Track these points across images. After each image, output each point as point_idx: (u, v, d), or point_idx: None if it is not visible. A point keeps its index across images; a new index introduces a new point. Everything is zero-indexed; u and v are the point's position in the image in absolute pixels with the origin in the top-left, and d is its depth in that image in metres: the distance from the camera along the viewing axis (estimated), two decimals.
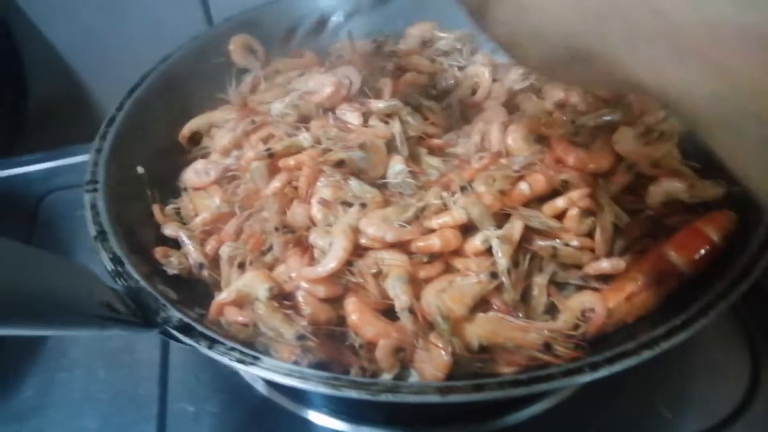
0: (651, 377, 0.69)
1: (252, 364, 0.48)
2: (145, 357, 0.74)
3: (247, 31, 0.90)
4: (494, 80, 0.83)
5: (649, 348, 0.48)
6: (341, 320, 0.60)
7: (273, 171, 0.68)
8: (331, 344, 0.57)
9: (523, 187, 0.62)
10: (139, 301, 0.53)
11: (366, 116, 0.74)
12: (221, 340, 0.50)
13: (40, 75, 1.12)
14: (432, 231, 0.61)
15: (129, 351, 0.75)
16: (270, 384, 0.70)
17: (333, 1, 0.96)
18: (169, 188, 0.76)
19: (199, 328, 0.51)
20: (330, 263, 0.57)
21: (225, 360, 0.49)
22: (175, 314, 0.52)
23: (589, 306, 0.59)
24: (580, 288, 0.63)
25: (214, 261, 0.66)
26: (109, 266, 0.56)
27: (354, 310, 0.58)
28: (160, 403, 0.70)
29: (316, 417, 0.68)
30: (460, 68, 0.86)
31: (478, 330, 0.58)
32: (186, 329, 0.51)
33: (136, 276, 0.55)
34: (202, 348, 0.50)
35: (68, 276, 0.47)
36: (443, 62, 0.87)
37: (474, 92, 0.83)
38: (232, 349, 0.49)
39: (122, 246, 0.59)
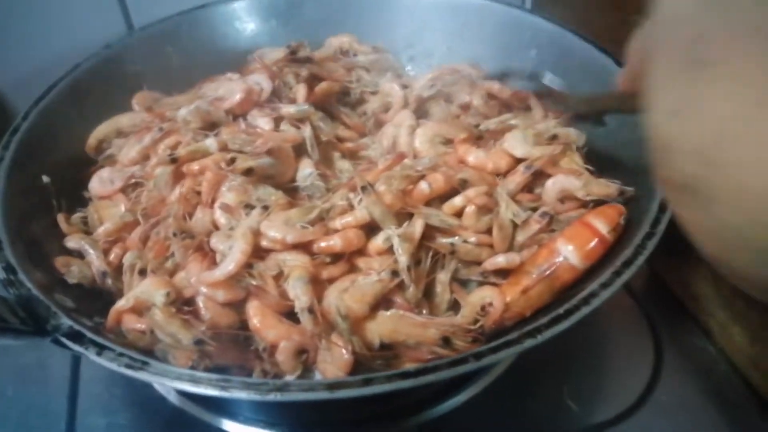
0: (561, 372, 0.71)
1: (141, 369, 0.48)
2: (55, 372, 0.73)
3: (165, 41, 0.90)
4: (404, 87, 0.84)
5: (532, 337, 0.49)
6: (245, 324, 0.60)
7: (178, 178, 0.68)
8: (234, 349, 0.58)
9: (423, 186, 0.63)
10: (30, 310, 0.52)
11: (277, 121, 0.75)
12: (110, 346, 0.49)
13: None
14: (336, 232, 0.62)
15: (40, 367, 0.73)
16: (183, 395, 0.70)
17: (252, 9, 0.96)
18: (78, 198, 0.74)
19: (89, 335, 0.50)
20: (228, 266, 0.57)
21: (114, 366, 0.49)
22: (66, 322, 0.51)
23: (488, 300, 0.61)
24: (481, 284, 0.64)
25: (118, 270, 0.65)
26: (1, 275, 0.55)
27: (255, 314, 0.58)
28: (69, 417, 0.68)
29: (231, 426, 0.67)
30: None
31: (380, 328, 0.59)
32: (75, 336, 0.50)
33: (29, 284, 0.54)
34: (91, 355, 0.49)
35: None
36: (360, 74, 0.89)
37: (387, 108, 0.84)
38: (121, 354, 0.49)
39: (19, 255, 0.58)
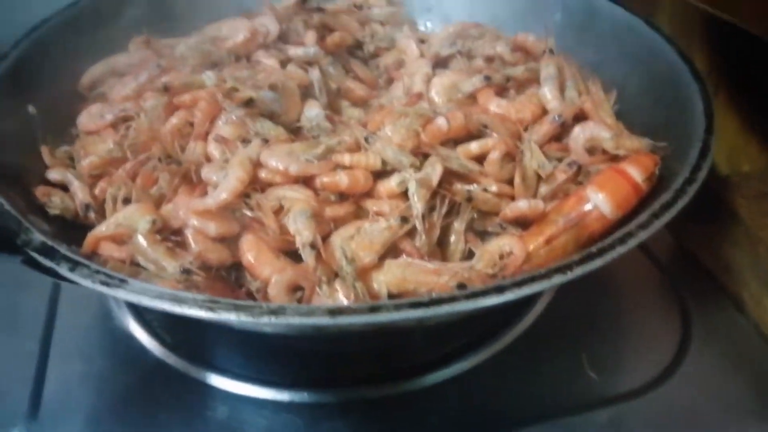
0: (579, 340, 0.66)
1: (118, 287, 0.42)
2: (29, 318, 0.67)
3: None
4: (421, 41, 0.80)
5: (562, 273, 0.43)
6: (238, 265, 0.54)
7: (171, 112, 0.63)
8: (224, 285, 0.52)
9: (441, 122, 0.58)
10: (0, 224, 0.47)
11: (283, 64, 0.70)
12: (85, 262, 0.44)
13: None
14: (343, 168, 0.56)
15: (12, 311, 0.68)
16: (166, 346, 0.64)
17: None
18: (66, 135, 0.69)
19: (62, 250, 0.45)
20: (222, 194, 0.52)
21: (88, 283, 0.43)
22: (38, 237, 0.46)
23: (508, 249, 0.55)
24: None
25: (103, 206, 0.60)
26: None
27: (250, 248, 0.53)
28: (40, 362, 0.62)
29: (218, 382, 0.62)
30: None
31: (387, 277, 0.53)
32: (47, 252, 0.45)
33: (1, 200, 0.49)
34: (63, 270, 0.44)
35: None
36: (375, 28, 0.84)
37: (401, 65, 0.80)
38: (97, 272, 0.43)
39: None
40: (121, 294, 0.42)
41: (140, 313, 0.68)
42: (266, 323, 0.40)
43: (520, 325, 0.67)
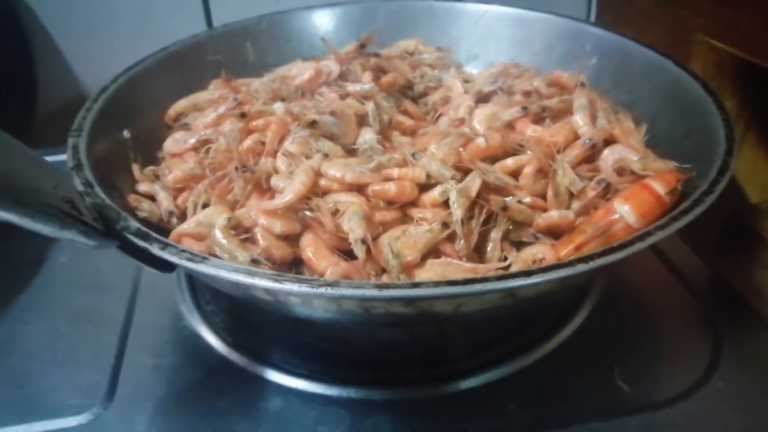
0: (611, 353, 0.69)
1: (201, 262, 0.50)
2: (109, 316, 0.75)
3: (245, 36, 0.97)
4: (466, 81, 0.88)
5: (584, 262, 0.49)
6: (297, 262, 0.62)
7: (246, 135, 0.72)
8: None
9: (480, 140, 0.65)
10: (102, 214, 0.56)
11: (343, 98, 0.79)
12: (172, 243, 0.52)
13: (51, 84, 1.19)
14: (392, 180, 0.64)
15: (94, 310, 0.76)
16: (229, 344, 0.71)
17: (326, 19, 1.04)
18: (153, 158, 0.79)
19: (154, 235, 0.53)
20: (287, 195, 0.59)
21: (176, 260, 0.51)
22: (133, 223, 0.54)
23: (540, 256, 0.60)
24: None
25: (184, 214, 0.68)
26: (80, 188, 0.59)
27: (309, 245, 0.60)
28: (118, 354, 0.70)
29: (273, 375, 0.68)
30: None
31: (428, 274, 0.59)
32: (142, 235, 0.53)
33: (103, 195, 0.58)
34: (155, 250, 0.52)
35: (36, 165, 0.50)
36: (424, 71, 0.93)
37: (447, 101, 0.87)
38: (183, 251, 0.51)
39: (96, 178, 0.62)
40: (204, 268, 0.49)
41: (207, 316, 0.75)
42: (323, 293, 0.46)
43: (555, 338, 0.71)
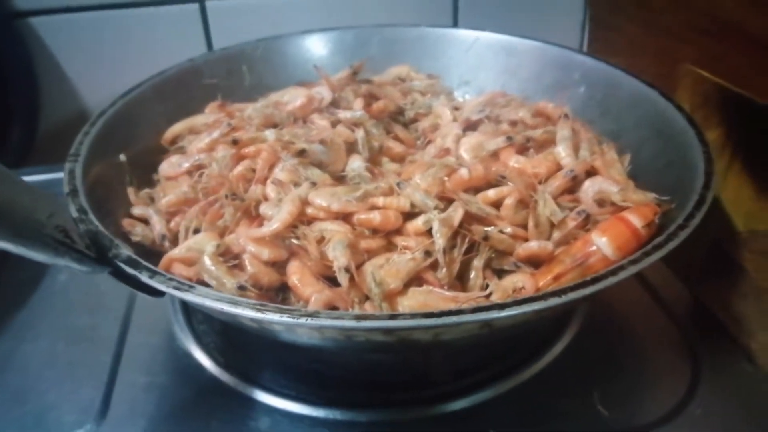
0: (592, 378, 0.71)
1: (187, 291, 0.52)
2: (104, 334, 0.77)
3: (241, 60, 1.00)
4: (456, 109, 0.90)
5: (557, 296, 0.50)
6: (284, 288, 0.63)
7: (237, 161, 0.74)
8: (272, 302, 0.61)
9: (463, 171, 0.67)
10: (95, 241, 0.58)
11: (334, 125, 0.81)
12: (161, 271, 0.54)
13: (53, 103, 1.22)
14: (377, 208, 0.66)
15: (91, 328, 0.78)
16: (220, 365, 0.73)
17: (321, 44, 1.06)
18: (148, 181, 0.82)
19: (144, 262, 0.55)
20: (275, 224, 0.61)
21: (163, 287, 0.53)
22: (125, 251, 0.56)
23: (520, 285, 0.62)
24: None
25: (177, 237, 0.70)
26: (74, 214, 0.61)
27: (295, 272, 0.62)
28: (112, 373, 0.72)
29: (262, 396, 0.69)
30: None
31: (410, 302, 0.61)
32: (132, 263, 0.55)
33: (96, 223, 0.60)
34: (144, 278, 0.54)
35: (30, 194, 0.52)
36: (415, 97, 0.95)
37: (436, 128, 0.89)
38: (171, 279, 0.53)
39: (91, 204, 0.64)
40: (189, 297, 0.51)
41: (199, 337, 0.77)
42: (303, 324, 0.48)
43: (539, 362, 0.73)
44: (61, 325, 0.79)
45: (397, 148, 0.83)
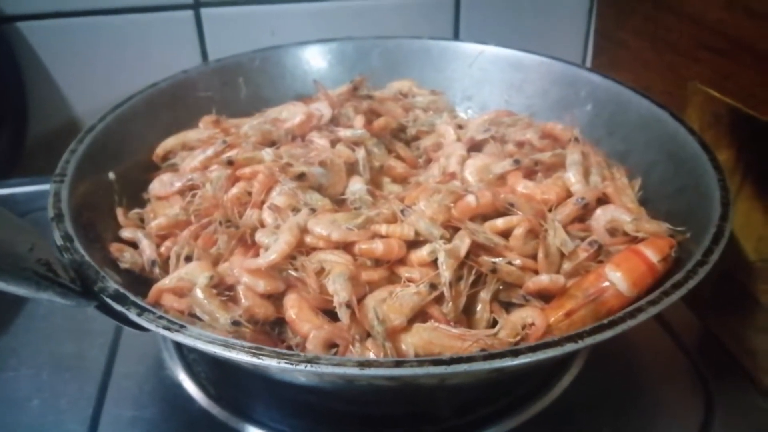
0: (601, 413, 0.68)
1: (177, 331, 0.48)
2: (90, 364, 0.74)
3: (237, 72, 0.96)
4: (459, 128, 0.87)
5: (573, 341, 0.47)
6: (280, 321, 0.60)
7: (233, 182, 0.71)
8: (268, 338, 0.57)
9: (470, 198, 0.64)
10: (80, 273, 0.54)
11: (334, 143, 0.77)
12: (151, 309, 0.50)
13: (42, 111, 1.18)
14: (380, 237, 0.62)
15: (77, 357, 0.75)
16: (211, 397, 0.69)
17: (320, 55, 1.03)
18: (138, 199, 0.78)
19: (132, 297, 0.52)
20: (271, 255, 0.58)
21: (152, 327, 0.49)
22: (112, 285, 0.53)
23: (530, 320, 0.59)
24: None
25: (167, 262, 0.67)
26: (59, 242, 0.58)
27: (293, 306, 0.58)
28: (97, 405, 0.68)
29: None
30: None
31: (415, 339, 0.57)
32: (120, 298, 0.52)
33: (82, 251, 0.57)
34: (132, 315, 0.50)
35: (10, 226, 0.48)
36: (417, 114, 0.92)
37: (439, 147, 0.86)
38: (160, 317, 0.50)
39: (77, 230, 0.61)
40: (180, 338, 0.48)
41: (189, 366, 0.73)
42: (302, 371, 0.45)
43: (546, 398, 0.69)
44: (45, 351, 0.75)
45: (398, 167, 0.80)
